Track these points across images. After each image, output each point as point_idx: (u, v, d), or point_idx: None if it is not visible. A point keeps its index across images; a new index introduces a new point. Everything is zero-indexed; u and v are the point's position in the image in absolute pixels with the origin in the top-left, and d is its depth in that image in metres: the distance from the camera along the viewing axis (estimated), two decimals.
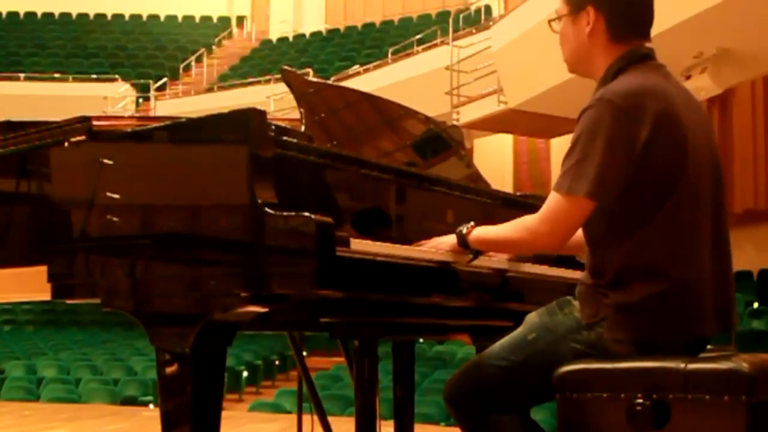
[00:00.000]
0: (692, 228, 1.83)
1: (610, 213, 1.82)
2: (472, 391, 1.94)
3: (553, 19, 2.01)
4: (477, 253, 2.04)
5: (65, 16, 20.79)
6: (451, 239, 2.03)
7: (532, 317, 1.94)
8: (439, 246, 2.03)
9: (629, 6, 1.93)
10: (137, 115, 12.49)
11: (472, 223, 2.02)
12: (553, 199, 1.84)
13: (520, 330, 1.94)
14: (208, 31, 20.71)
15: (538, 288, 2.35)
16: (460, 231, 2.01)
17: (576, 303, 1.90)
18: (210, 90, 16.40)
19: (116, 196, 1.98)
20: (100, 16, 20.81)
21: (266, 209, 1.71)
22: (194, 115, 1.97)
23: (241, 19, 21.42)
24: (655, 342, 1.80)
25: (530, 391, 1.92)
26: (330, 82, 3.43)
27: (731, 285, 1.92)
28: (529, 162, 13.62)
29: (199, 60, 18.64)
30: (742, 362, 1.66)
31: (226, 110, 1.86)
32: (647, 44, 1.95)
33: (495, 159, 13.27)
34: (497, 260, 2.20)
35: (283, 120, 2.45)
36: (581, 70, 2.00)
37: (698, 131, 1.87)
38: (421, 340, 9.26)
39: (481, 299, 2.22)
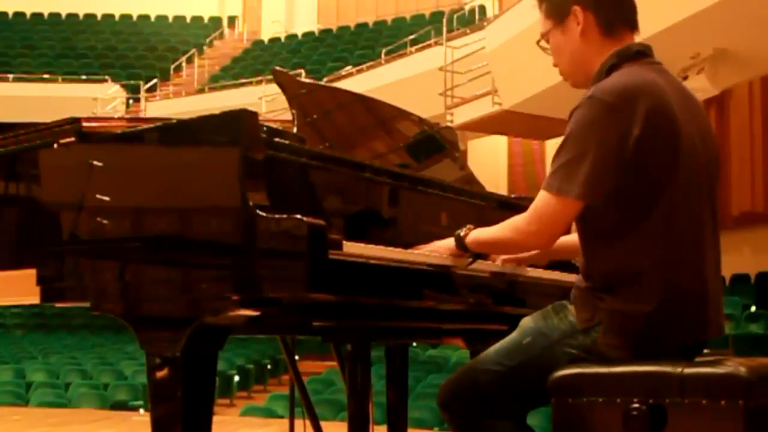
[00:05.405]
0: (691, 229, 1.80)
1: (602, 213, 1.80)
2: (467, 396, 1.92)
3: (541, 39, 1.99)
4: (476, 256, 2.03)
5: (55, 16, 20.70)
6: (449, 243, 2.02)
7: (527, 321, 1.93)
8: (438, 250, 2.02)
9: None
10: (127, 116, 12.45)
11: (469, 226, 2.01)
12: (541, 199, 1.82)
13: (514, 334, 1.92)
14: (199, 32, 20.66)
15: (534, 292, 2.33)
16: (458, 234, 2.01)
17: (571, 307, 1.88)
18: (201, 91, 16.36)
19: (106, 198, 1.96)
20: (90, 17, 20.74)
21: (258, 211, 1.69)
22: (185, 117, 1.95)
23: (232, 20, 21.37)
24: (651, 348, 1.78)
25: (525, 396, 1.90)
26: (322, 83, 3.41)
27: (721, 289, 1.91)
28: (524, 164, 13.64)
29: (190, 61, 18.59)
30: (739, 366, 1.65)
31: (217, 111, 1.84)
32: (641, 41, 1.93)
33: (489, 161, 13.30)
34: (492, 263, 2.19)
35: (275, 121, 2.43)
36: (582, 78, 1.94)
37: (693, 129, 1.84)
38: (414, 343, 9.25)
39: (476, 303, 2.20)
